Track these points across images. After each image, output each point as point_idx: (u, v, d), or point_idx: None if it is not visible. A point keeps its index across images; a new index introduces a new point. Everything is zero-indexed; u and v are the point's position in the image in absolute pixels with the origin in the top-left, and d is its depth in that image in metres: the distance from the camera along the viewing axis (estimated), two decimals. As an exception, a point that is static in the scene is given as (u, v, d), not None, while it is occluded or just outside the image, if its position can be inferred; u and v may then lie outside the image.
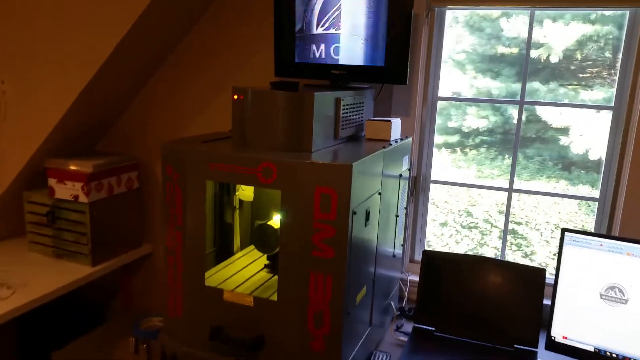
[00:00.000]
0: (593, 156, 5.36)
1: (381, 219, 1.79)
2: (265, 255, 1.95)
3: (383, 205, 1.80)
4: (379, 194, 1.74)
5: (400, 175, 2.00)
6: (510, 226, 4.69)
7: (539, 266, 1.90)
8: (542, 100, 2.39)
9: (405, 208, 2.15)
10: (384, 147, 1.79)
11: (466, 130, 5.71)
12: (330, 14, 2.03)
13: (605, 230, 2.03)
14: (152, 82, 2.59)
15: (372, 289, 1.76)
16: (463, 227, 4.72)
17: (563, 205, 5.12)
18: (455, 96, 2.65)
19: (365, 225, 1.62)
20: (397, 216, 1.99)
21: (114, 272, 2.70)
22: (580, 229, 1.76)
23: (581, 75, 5.71)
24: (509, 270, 1.92)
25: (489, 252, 4.66)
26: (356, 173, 1.48)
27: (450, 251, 2.08)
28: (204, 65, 2.48)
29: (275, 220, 1.85)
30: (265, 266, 1.91)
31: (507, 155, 6.10)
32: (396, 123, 1.97)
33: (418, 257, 2.35)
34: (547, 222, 4.85)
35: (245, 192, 1.96)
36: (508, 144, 6.17)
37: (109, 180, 2.45)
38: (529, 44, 2.13)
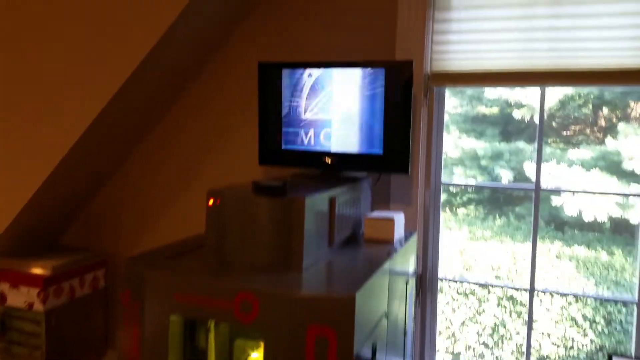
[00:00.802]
0: (587, 217, 4.99)
1: (388, 345, 1.40)
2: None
3: (390, 327, 1.41)
4: (386, 316, 1.36)
5: (407, 282, 1.63)
6: (509, 292, 4.29)
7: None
8: (560, 189, 2.02)
9: (414, 318, 1.76)
10: (388, 255, 1.43)
11: (454, 190, 5.35)
12: (320, 97, 1.72)
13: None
14: (123, 169, 2.22)
15: None
16: (459, 293, 4.31)
17: (561, 270, 4.73)
18: (457, 181, 2.32)
19: (373, 368, 1.22)
20: (405, 333, 1.60)
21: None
22: (630, 355, 1.39)
23: (565, 133, 5.44)
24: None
25: (488, 321, 4.23)
26: (360, 303, 1.11)
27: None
28: (179, 150, 2.13)
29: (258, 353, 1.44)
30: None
31: (497, 215, 5.73)
32: (399, 220, 1.62)
33: (427, 369, 1.93)
34: (546, 287, 4.47)
35: (224, 308, 1.56)
36: (496, 202, 5.79)
37: (70, 283, 2.05)
38: (541, 125, 1.82)
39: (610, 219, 4.67)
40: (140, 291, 1.28)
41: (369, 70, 1.64)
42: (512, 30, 1.68)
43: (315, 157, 1.75)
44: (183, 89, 2.09)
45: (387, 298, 1.38)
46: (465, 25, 1.72)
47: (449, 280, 1.97)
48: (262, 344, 1.45)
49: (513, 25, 1.68)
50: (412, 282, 1.73)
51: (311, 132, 1.75)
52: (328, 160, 1.74)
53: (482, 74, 1.72)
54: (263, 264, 1.28)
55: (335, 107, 1.70)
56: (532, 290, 1.91)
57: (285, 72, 1.73)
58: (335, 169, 1.73)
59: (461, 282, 1.89)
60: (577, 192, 2.01)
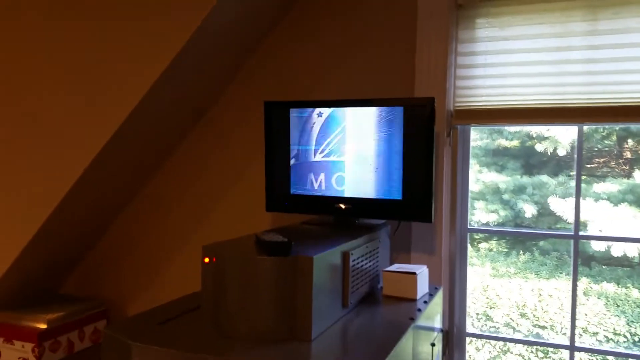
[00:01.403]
0: (616, 252, 4.65)
1: None
2: None
3: (415, 404, 1.18)
4: (410, 394, 1.13)
5: (433, 345, 1.39)
6: (535, 330, 3.95)
7: None
8: (597, 235, 1.77)
9: (441, 385, 1.51)
10: (411, 319, 1.21)
11: (476, 225, 5.06)
12: (331, 138, 1.54)
13: None
14: (125, 215, 2.07)
15: None
16: (483, 331, 3.99)
17: (589, 306, 4.38)
18: (485, 226, 2.10)
19: None
20: (432, 405, 1.36)
21: None
22: None
23: (588, 165, 5.13)
24: None
25: (514, 360, 3.87)
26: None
27: None
28: (183, 195, 1.97)
29: None
30: None
31: (521, 250, 5.40)
32: (422, 274, 1.40)
33: None
34: (588, 344, 4.12)
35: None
36: (519, 236, 5.46)
37: (68, 336, 1.87)
38: (579, 168, 1.60)
39: (642, 253, 4.34)
40: (126, 363, 1.09)
41: (385, 108, 1.46)
42: (544, 63, 1.49)
43: (327, 203, 1.56)
44: (185, 132, 1.95)
45: (410, 371, 1.15)
46: (492, 58, 1.54)
47: (478, 336, 1.72)
48: None
49: (545, 57, 1.49)
50: (439, 343, 1.49)
51: (322, 176, 1.57)
52: (341, 206, 1.54)
53: (511, 111, 1.53)
54: (265, 332, 1.08)
55: (348, 149, 1.52)
56: (572, 348, 1.65)
57: (294, 112, 1.57)
58: (350, 215, 1.54)
59: (492, 339, 1.67)
60: (620, 240, 1.76)
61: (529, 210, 4.69)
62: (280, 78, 1.81)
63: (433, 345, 1.40)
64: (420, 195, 1.44)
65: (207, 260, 1.16)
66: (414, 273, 1.36)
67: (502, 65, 1.54)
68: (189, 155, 1.95)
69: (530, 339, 3.49)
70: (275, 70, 1.81)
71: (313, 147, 1.56)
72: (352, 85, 1.71)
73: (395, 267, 1.43)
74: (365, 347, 1.04)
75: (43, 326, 1.79)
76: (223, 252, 1.13)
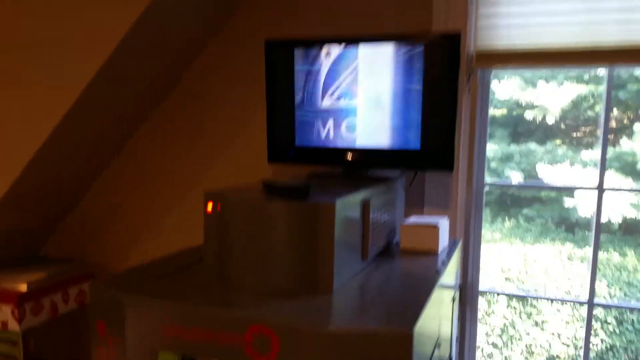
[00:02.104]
0: (601, 218, 4.66)
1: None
2: None
3: (440, 355, 1.07)
4: (438, 346, 1.02)
5: (453, 300, 1.28)
6: (520, 293, 3.96)
7: None
8: (621, 188, 1.65)
9: (457, 339, 1.42)
10: (437, 273, 1.08)
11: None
12: (341, 79, 1.37)
13: None
14: (112, 168, 1.87)
15: None
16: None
17: (573, 270, 4.42)
18: (502, 180, 1.97)
19: None
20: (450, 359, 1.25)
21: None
22: None
23: (575, 134, 5.07)
24: None
25: (498, 322, 3.91)
26: (417, 340, 0.77)
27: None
28: (175, 146, 1.79)
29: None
30: None
31: (506, 217, 5.37)
32: (444, 226, 1.27)
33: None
34: (557, 287, 4.18)
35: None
36: (504, 204, 5.43)
37: (51, 298, 1.70)
38: (607, 115, 1.48)
39: (624, 219, 4.37)
40: (119, 322, 0.93)
41: (404, 45, 1.29)
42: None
43: (336, 154, 1.41)
44: (178, 74, 1.74)
45: (438, 324, 1.03)
46: (518, -7, 1.38)
47: (495, 293, 1.62)
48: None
49: (577, -9, 1.34)
50: (457, 298, 1.39)
51: (330, 123, 1.40)
52: (352, 156, 1.39)
53: (538, 53, 1.38)
54: (279, 287, 0.94)
55: (360, 92, 1.35)
56: (591, 304, 1.57)
57: (298, 52, 1.39)
58: (362, 167, 1.39)
59: (507, 295, 1.60)
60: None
61: (516, 178, 4.64)
62: (282, 14, 1.61)
63: (453, 299, 1.28)
64: (440, 142, 1.30)
65: (210, 207, 1.00)
66: (436, 226, 1.23)
67: (528, 2, 1.38)
68: (181, 102, 1.75)
69: (550, 296, 3.47)
70: (277, 6, 1.61)
71: (320, 92, 1.39)
72: (361, 24, 1.53)
73: (414, 219, 1.30)
74: (395, 300, 0.91)
75: (23, 288, 1.62)
76: (229, 198, 0.97)
